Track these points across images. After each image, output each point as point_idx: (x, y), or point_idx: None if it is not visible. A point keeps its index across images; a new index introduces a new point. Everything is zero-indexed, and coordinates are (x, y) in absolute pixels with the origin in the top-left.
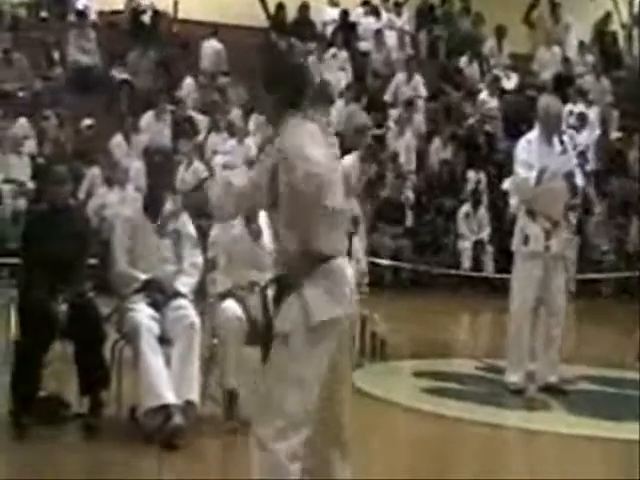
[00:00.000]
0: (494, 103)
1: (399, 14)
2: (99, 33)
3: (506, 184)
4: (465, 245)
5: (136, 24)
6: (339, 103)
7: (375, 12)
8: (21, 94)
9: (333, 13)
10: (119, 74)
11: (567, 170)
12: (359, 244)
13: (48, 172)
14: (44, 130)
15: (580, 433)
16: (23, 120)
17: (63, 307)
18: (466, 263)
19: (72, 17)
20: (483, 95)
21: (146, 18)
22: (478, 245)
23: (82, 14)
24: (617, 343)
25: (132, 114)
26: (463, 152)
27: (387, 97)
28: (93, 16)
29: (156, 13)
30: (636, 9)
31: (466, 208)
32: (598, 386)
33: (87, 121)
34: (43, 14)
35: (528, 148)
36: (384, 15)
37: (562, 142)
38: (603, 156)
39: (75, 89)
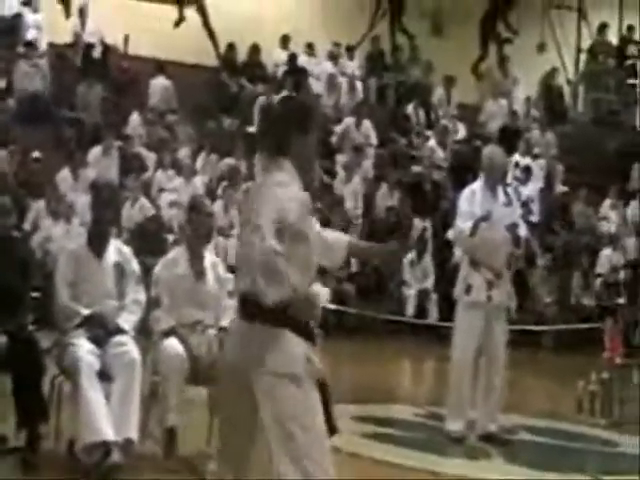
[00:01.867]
0: (441, 153)
1: (351, 58)
2: (49, 65)
3: (450, 233)
4: (409, 292)
5: (86, 58)
6: None
7: (332, 57)
8: None
9: (284, 55)
10: (67, 113)
11: (511, 221)
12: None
13: None
14: None
15: None
16: None
17: (2, 339)
18: (410, 310)
19: (21, 48)
20: (431, 143)
21: (96, 52)
22: (422, 293)
23: (31, 45)
24: (556, 394)
25: (80, 148)
26: (409, 199)
27: (335, 142)
28: (43, 47)
29: (106, 47)
30: (581, 66)
31: (411, 255)
32: (537, 436)
33: (34, 153)
34: None
35: (471, 198)
36: (340, 61)
37: (507, 193)
38: (547, 209)
39: (23, 120)
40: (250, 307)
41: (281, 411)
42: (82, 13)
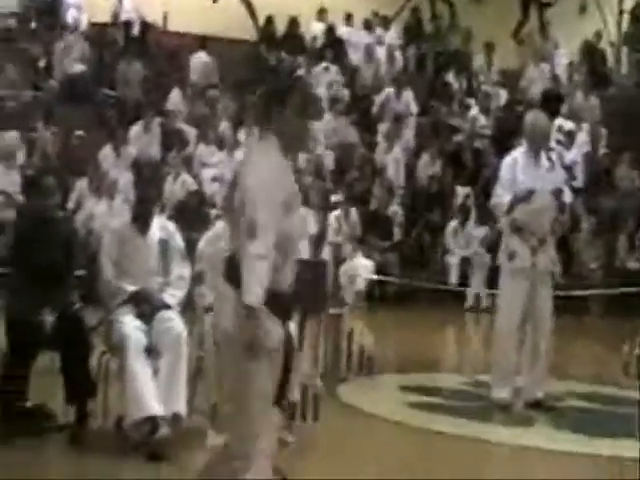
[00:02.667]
0: (484, 120)
1: (387, 29)
2: (89, 44)
3: (491, 201)
4: (453, 260)
5: (126, 36)
6: (327, 117)
7: (367, 26)
8: (10, 104)
9: (321, 28)
10: (108, 91)
11: (554, 187)
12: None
13: (37, 183)
14: (33, 141)
15: (566, 449)
16: (13, 132)
17: (50, 318)
18: (453, 279)
19: (61, 28)
20: (474, 112)
21: (135, 30)
22: (465, 261)
23: (71, 25)
24: (604, 360)
25: (121, 126)
26: (451, 168)
27: (375, 112)
28: (83, 27)
29: (145, 25)
30: (624, 27)
31: (454, 224)
32: (585, 403)
33: (77, 132)
34: (33, 25)
35: (513, 165)
36: (378, 30)
37: (550, 159)
38: (591, 173)
39: (65, 100)
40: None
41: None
42: None
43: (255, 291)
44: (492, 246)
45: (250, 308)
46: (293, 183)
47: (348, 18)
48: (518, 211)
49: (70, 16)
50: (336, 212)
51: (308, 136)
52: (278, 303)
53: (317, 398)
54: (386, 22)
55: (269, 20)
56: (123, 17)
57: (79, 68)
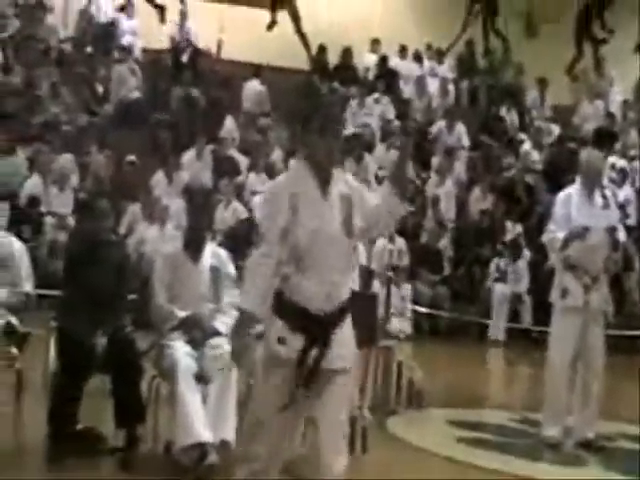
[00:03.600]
0: (537, 155)
1: (440, 62)
2: (142, 70)
3: (544, 237)
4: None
5: (177, 62)
6: (380, 148)
7: (417, 58)
8: (66, 127)
9: (374, 59)
10: (162, 117)
11: (609, 224)
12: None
13: (90, 206)
14: (87, 165)
15: None
16: (68, 155)
17: (102, 341)
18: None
19: (117, 53)
20: (526, 146)
21: (188, 57)
22: (516, 297)
23: (127, 49)
24: None
25: (174, 152)
26: (503, 203)
27: (427, 145)
28: (137, 53)
29: (196, 51)
30: None
31: (505, 259)
32: (636, 444)
33: (129, 157)
34: (88, 49)
35: (567, 202)
36: (426, 62)
37: (604, 196)
38: None
39: (119, 125)
40: None
41: None
42: (182, 17)
43: (251, 295)
44: (544, 283)
45: (244, 312)
46: (316, 196)
47: (402, 50)
48: (572, 248)
49: (125, 41)
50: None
51: (333, 155)
52: (295, 316)
53: (365, 430)
54: (439, 55)
55: (321, 49)
56: (180, 43)
57: (134, 94)
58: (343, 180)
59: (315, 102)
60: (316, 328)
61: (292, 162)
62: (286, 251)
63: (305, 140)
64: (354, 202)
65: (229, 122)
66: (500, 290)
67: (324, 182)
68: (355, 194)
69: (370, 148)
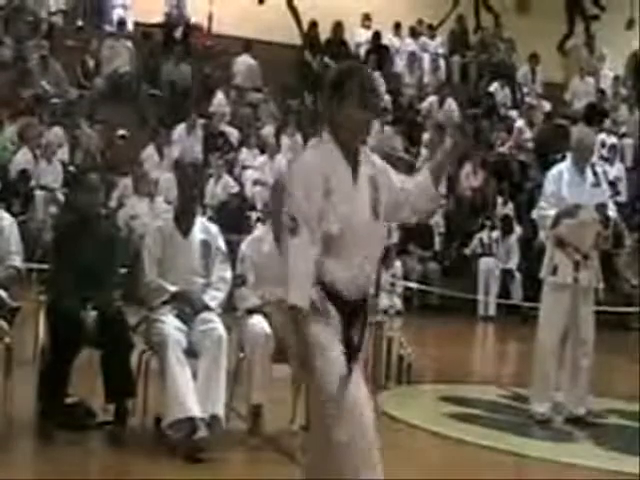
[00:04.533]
0: (529, 133)
1: (432, 37)
2: (134, 44)
3: (534, 213)
4: (494, 274)
5: (168, 37)
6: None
7: (413, 34)
8: (55, 101)
9: (366, 34)
10: (152, 91)
11: (599, 201)
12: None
13: (81, 180)
14: (77, 138)
15: (606, 467)
16: (57, 129)
17: (92, 315)
18: (495, 290)
19: (108, 27)
20: (519, 123)
21: (179, 31)
22: (506, 273)
23: (119, 24)
24: None
25: (164, 126)
26: (494, 179)
27: (419, 120)
28: (129, 27)
29: (188, 26)
30: None
31: (496, 234)
32: (627, 420)
33: (120, 131)
34: (79, 23)
35: (558, 179)
36: (423, 38)
37: (595, 173)
38: (635, 188)
39: (109, 99)
40: None
41: None
42: None
43: (302, 291)
44: (534, 259)
45: (295, 309)
46: (347, 178)
47: (397, 27)
48: (562, 225)
49: (116, 15)
50: None
51: (368, 129)
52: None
53: None
54: (430, 30)
55: (313, 24)
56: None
57: (124, 68)
58: (370, 160)
59: (354, 73)
60: (348, 312)
61: (314, 140)
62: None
63: (339, 115)
64: (380, 184)
65: (219, 97)
66: (485, 264)
67: (355, 163)
68: (381, 175)
69: None
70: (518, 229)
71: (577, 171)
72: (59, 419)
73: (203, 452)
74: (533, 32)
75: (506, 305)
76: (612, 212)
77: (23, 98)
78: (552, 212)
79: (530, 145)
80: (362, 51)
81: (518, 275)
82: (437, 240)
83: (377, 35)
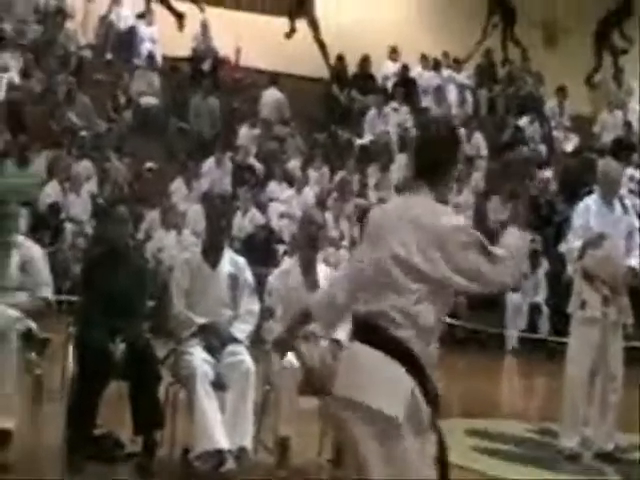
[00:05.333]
0: (549, 173)
1: (459, 71)
2: (162, 77)
3: (562, 247)
4: (522, 307)
5: (197, 70)
6: (400, 157)
7: (436, 67)
8: (84, 133)
9: (393, 67)
10: (181, 124)
11: (628, 232)
12: None
13: (109, 212)
14: (106, 171)
15: None
16: (86, 162)
17: (121, 347)
18: (522, 324)
19: (137, 60)
20: (547, 174)
21: (208, 65)
22: (534, 307)
23: (148, 58)
24: None
25: (193, 159)
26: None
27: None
28: (158, 60)
29: (217, 59)
30: None
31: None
32: None
33: (148, 164)
34: (108, 56)
35: (585, 212)
36: (444, 71)
37: (624, 206)
38: None
39: (138, 132)
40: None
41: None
42: (204, 27)
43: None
44: (562, 293)
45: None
46: None
47: (423, 59)
48: (589, 258)
49: (144, 49)
50: None
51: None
52: None
53: None
54: (457, 63)
55: (339, 58)
56: (196, 51)
57: (152, 101)
58: None
59: None
60: None
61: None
62: None
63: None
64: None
65: (245, 130)
66: (515, 300)
67: None
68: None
69: (390, 157)
70: (545, 263)
71: (605, 204)
72: (87, 450)
73: None
74: (561, 66)
75: (533, 340)
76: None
77: (53, 131)
78: (579, 244)
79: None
80: (389, 84)
81: (546, 309)
82: None
83: (405, 68)
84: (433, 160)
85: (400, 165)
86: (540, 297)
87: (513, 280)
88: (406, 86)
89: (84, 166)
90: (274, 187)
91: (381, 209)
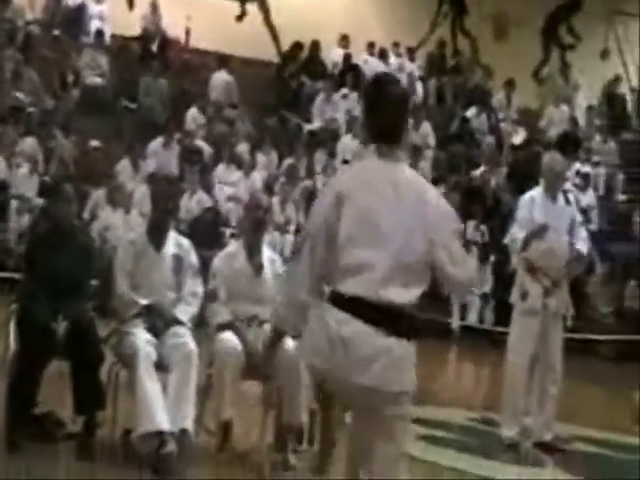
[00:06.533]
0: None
1: (412, 60)
2: (111, 56)
3: (506, 239)
4: (472, 298)
5: (146, 50)
6: (345, 139)
7: (382, 56)
8: (31, 110)
9: (342, 54)
10: (129, 104)
11: (570, 225)
12: None
13: (55, 190)
14: (52, 149)
15: None
16: (31, 139)
17: (63, 325)
18: (473, 316)
19: (85, 38)
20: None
21: (156, 45)
22: (482, 297)
23: (96, 36)
24: (613, 405)
25: (140, 140)
26: (467, 203)
27: None
28: (106, 39)
29: (165, 40)
30: None
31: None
32: (592, 447)
33: (94, 143)
34: (56, 32)
35: (530, 205)
36: (393, 59)
37: (567, 200)
38: (607, 218)
39: (85, 110)
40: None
41: None
42: (154, 7)
43: None
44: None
45: None
46: None
47: (370, 46)
48: (532, 249)
49: (93, 26)
50: None
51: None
52: None
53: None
54: (410, 52)
55: (298, 45)
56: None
57: (99, 81)
58: None
59: None
60: None
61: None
62: None
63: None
64: None
65: (194, 112)
66: None
67: None
68: None
69: (336, 140)
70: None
71: (549, 197)
72: (28, 429)
73: (172, 466)
74: (510, 59)
75: (480, 329)
76: (583, 237)
77: None
78: (522, 236)
79: (504, 170)
80: (338, 71)
81: (491, 300)
82: None
83: (348, 56)
84: (395, 120)
85: (346, 145)
86: (487, 287)
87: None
88: (354, 73)
89: (30, 143)
90: (222, 170)
91: (354, 173)
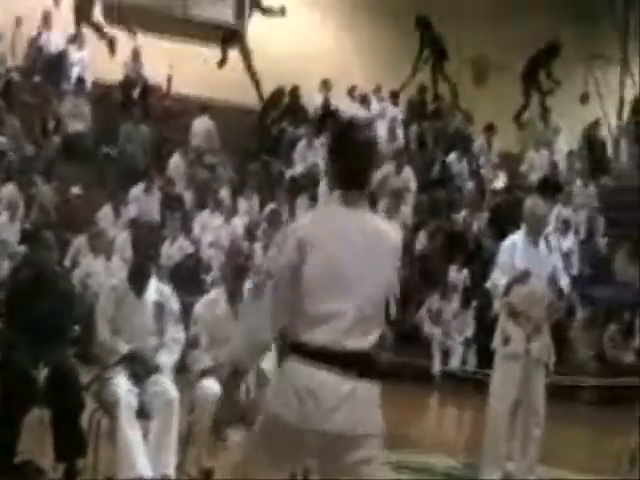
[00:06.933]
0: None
1: (395, 104)
2: (92, 103)
3: (488, 284)
4: (453, 343)
5: (127, 97)
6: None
7: (363, 101)
8: (12, 155)
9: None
10: (110, 151)
11: (552, 271)
12: None
13: (35, 237)
14: (32, 195)
15: None
16: (11, 186)
17: (44, 372)
18: (456, 362)
19: (66, 85)
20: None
21: (137, 92)
22: (464, 342)
23: (77, 82)
24: (595, 449)
25: (121, 186)
26: (448, 247)
27: (374, 187)
28: (87, 85)
29: (147, 87)
30: (625, 117)
31: (455, 306)
32: None
33: (75, 189)
34: (37, 79)
35: (511, 250)
36: (375, 104)
37: (549, 244)
38: (588, 262)
39: (66, 157)
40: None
41: None
42: (135, 54)
43: None
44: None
45: None
46: None
47: (351, 90)
48: (514, 294)
49: (74, 73)
50: None
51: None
52: None
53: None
54: (393, 97)
55: (280, 92)
56: (129, 78)
57: (80, 127)
58: None
59: None
60: None
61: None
62: None
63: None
64: None
65: (176, 158)
66: (436, 332)
67: None
68: None
69: (317, 185)
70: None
71: (530, 242)
72: (7, 478)
73: None
74: (490, 103)
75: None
76: (565, 282)
77: None
78: (504, 281)
79: (485, 215)
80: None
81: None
82: (392, 307)
83: (327, 101)
84: (360, 165)
85: (323, 189)
86: (469, 332)
87: None
88: (332, 119)
89: (10, 189)
90: (205, 216)
91: (318, 219)
